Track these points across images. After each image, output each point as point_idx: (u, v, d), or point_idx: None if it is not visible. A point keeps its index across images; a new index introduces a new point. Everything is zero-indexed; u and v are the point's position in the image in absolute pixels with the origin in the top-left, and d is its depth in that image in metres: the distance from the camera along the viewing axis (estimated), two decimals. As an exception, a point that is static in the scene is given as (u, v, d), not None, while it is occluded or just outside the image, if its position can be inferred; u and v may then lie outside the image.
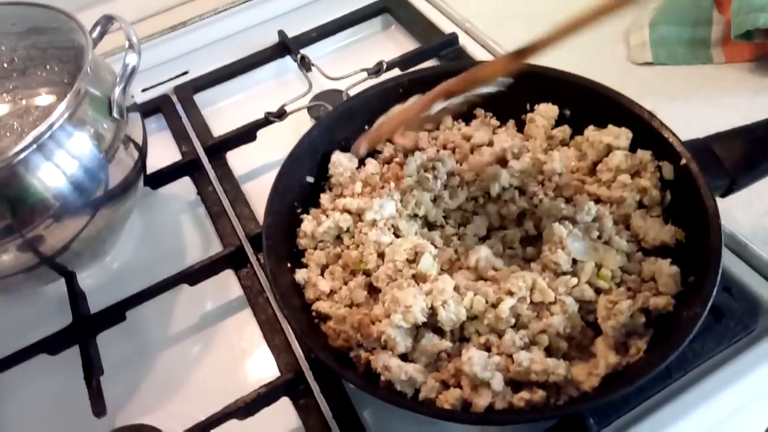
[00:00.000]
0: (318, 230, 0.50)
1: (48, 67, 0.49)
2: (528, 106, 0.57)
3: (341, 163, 0.55)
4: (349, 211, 0.51)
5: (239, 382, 0.51)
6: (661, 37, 0.67)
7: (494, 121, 0.58)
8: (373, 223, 0.49)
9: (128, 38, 0.53)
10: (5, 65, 0.49)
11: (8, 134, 0.45)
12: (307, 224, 0.51)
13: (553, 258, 0.45)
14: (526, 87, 0.55)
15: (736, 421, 0.45)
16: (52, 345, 0.52)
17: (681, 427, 0.44)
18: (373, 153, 0.57)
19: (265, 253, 0.46)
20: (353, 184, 0.53)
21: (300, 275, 0.49)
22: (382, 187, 0.53)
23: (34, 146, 0.45)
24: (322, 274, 0.49)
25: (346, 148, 0.57)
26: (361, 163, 0.56)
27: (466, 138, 0.56)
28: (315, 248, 0.51)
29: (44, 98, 0.48)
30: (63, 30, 0.53)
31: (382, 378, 0.41)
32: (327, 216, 0.51)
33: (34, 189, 0.46)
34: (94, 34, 0.55)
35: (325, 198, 0.54)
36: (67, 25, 0.53)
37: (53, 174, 0.47)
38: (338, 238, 0.51)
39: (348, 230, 0.51)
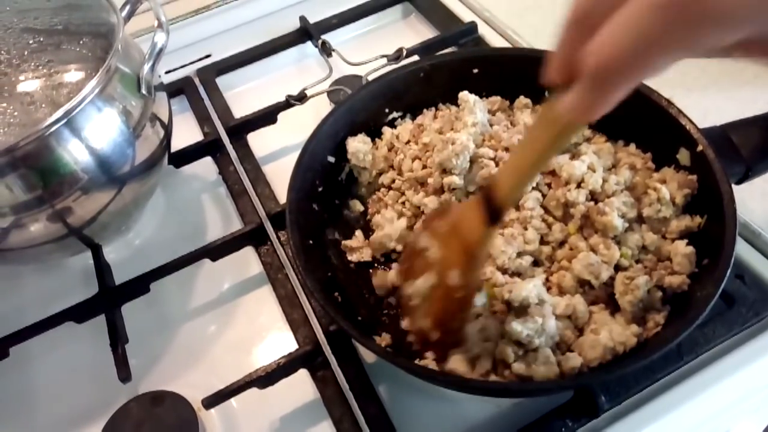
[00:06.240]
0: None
1: (81, 42, 0.50)
2: (546, 93, 0.57)
3: (358, 149, 0.56)
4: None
5: (257, 355, 0.53)
6: (680, 30, 0.68)
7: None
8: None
9: (157, 17, 0.54)
10: (41, 39, 0.50)
11: (43, 106, 0.47)
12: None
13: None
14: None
15: (744, 406, 0.46)
16: (78, 313, 0.53)
17: (689, 409, 0.45)
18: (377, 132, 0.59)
19: (289, 226, 0.47)
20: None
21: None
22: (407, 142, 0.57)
23: (66, 120, 0.47)
24: None
25: (366, 130, 0.58)
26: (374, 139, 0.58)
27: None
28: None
29: (76, 73, 0.49)
30: (94, 7, 0.54)
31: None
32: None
33: (65, 161, 0.48)
34: (124, 13, 0.57)
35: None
36: (98, 2, 0.55)
37: (83, 147, 0.48)
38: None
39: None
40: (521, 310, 0.43)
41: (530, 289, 0.43)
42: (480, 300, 0.43)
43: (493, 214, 0.38)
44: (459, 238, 0.40)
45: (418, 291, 0.42)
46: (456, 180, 0.50)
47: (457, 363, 0.42)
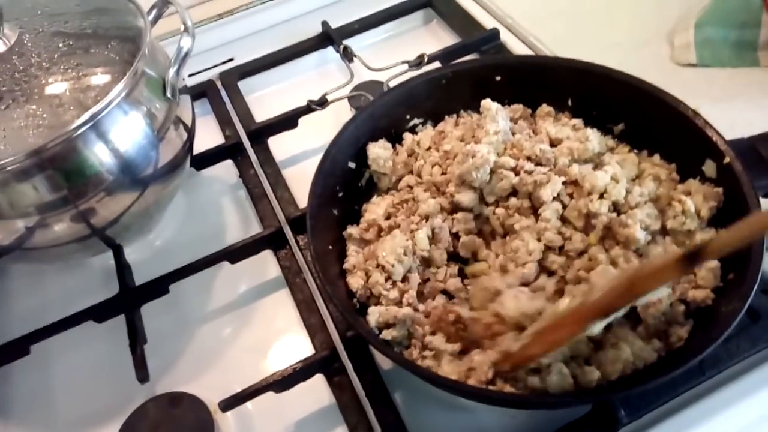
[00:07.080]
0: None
1: (109, 46, 0.51)
2: (570, 102, 0.57)
3: (379, 155, 0.56)
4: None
5: (273, 359, 0.53)
6: (707, 39, 0.67)
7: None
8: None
9: (183, 22, 0.55)
10: (71, 43, 0.51)
11: (71, 108, 0.47)
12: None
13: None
14: (569, 81, 0.56)
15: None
16: (99, 313, 0.54)
17: (711, 426, 0.44)
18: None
19: (309, 231, 0.47)
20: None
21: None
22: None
23: (93, 122, 0.47)
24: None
25: (387, 136, 0.58)
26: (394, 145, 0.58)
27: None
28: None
29: (103, 76, 0.50)
30: (122, 11, 0.55)
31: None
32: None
33: (91, 163, 0.48)
34: (150, 17, 0.57)
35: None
36: (126, 7, 0.55)
37: (108, 149, 0.49)
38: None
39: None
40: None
41: (521, 306, 0.42)
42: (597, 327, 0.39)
43: (692, 257, 0.36)
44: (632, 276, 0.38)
45: (552, 310, 0.40)
46: (472, 196, 0.50)
47: (450, 368, 0.43)
